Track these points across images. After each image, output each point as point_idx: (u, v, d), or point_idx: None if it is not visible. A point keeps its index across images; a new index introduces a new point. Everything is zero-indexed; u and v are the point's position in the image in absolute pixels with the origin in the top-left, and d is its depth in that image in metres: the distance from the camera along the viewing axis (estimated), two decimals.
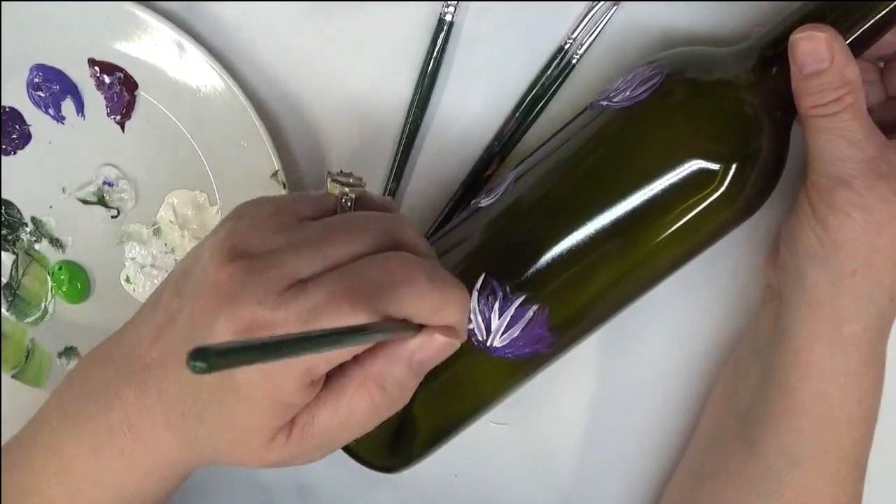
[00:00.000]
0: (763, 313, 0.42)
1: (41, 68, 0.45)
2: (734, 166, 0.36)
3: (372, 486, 0.49)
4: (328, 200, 0.34)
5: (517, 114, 0.44)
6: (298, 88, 0.45)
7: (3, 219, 0.47)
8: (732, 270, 0.45)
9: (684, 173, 0.36)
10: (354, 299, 0.28)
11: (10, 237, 0.47)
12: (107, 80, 0.44)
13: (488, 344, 0.37)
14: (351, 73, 0.45)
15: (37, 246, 0.48)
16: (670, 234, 0.37)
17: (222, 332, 0.29)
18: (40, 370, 0.48)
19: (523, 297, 0.37)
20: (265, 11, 0.44)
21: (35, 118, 0.46)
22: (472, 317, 0.37)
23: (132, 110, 0.45)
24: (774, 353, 0.39)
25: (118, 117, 0.45)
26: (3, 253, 0.48)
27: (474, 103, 0.45)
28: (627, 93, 0.38)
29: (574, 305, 0.38)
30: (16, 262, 0.48)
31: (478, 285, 0.37)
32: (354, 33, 0.44)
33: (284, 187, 0.44)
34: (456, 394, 0.39)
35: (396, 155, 0.45)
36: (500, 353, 0.38)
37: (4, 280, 0.48)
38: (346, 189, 0.33)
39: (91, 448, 0.34)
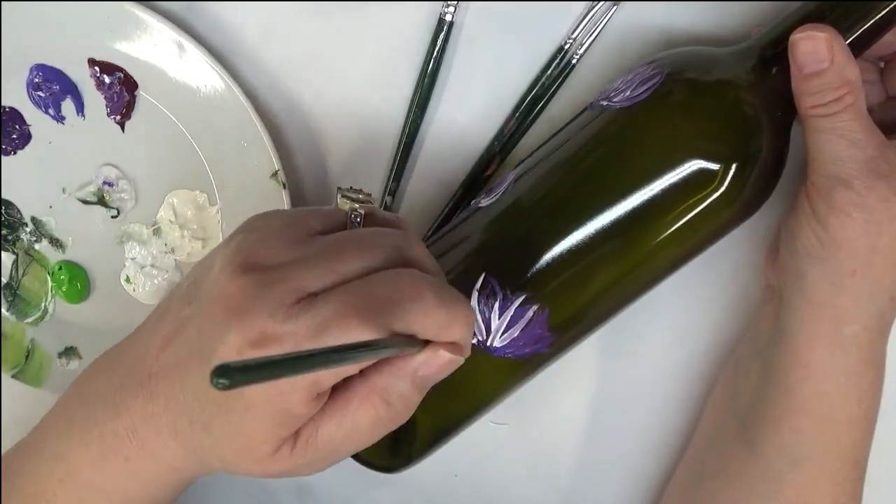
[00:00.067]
0: (763, 313, 0.42)
1: (41, 68, 0.45)
2: (734, 166, 0.36)
3: (372, 486, 0.49)
4: (338, 216, 0.34)
5: (517, 114, 0.44)
6: (298, 88, 0.45)
7: (3, 219, 0.47)
8: (732, 270, 0.45)
9: (684, 173, 0.36)
10: (363, 314, 0.29)
11: (10, 237, 0.47)
12: (107, 80, 0.44)
13: (488, 344, 0.37)
14: (351, 73, 0.45)
15: (37, 246, 0.48)
16: (670, 234, 0.37)
17: (232, 344, 0.29)
18: (40, 370, 0.48)
19: (523, 297, 0.37)
20: (265, 11, 0.44)
21: (35, 118, 0.46)
22: None
23: (132, 110, 0.45)
24: (774, 353, 0.39)
25: (118, 117, 0.45)
26: (3, 253, 0.48)
27: (474, 103, 0.45)
28: (627, 93, 0.38)
29: (574, 305, 0.38)
30: (16, 262, 0.48)
31: (478, 285, 0.37)
32: (354, 33, 0.44)
33: (284, 187, 0.44)
34: (456, 394, 0.39)
35: (396, 155, 0.45)
36: (500, 353, 0.38)
37: (4, 280, 0.48)
38: (356, 205, 0.34)
39: (97, 454, 0.34)
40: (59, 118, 0.46)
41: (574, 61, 0.43)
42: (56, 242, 0.47)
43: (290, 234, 0.32)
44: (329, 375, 0.29)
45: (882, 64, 0.41)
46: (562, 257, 0.37)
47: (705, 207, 0.36)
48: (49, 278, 0.48)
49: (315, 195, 0.47)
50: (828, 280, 0.36)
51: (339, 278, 0.30)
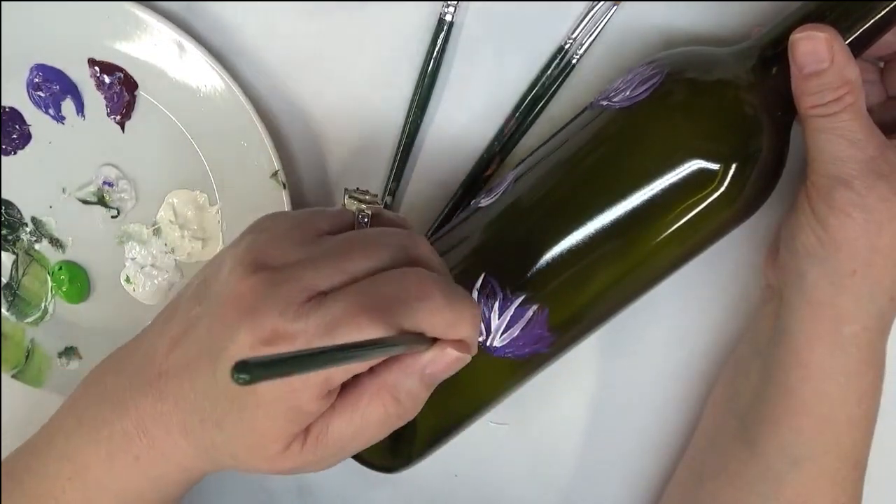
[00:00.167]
0: (763, 313, 0.42)
1: (41, 68, 0.45)
2: (734, 166, 0.36)
3: (372, 486, 0.49)
4: (345, 216, 0.34)
5: (517, 114, 0.44)
6: (298, 88, 0.45)
7: (3, 219, 0.47)
8: (732, 270, 0.45)
9: (684, 173, 0.36)
10: (372, 313, 0.29)
11: (10, 237, 0.47)
12: (107, 80, 0.44)
13: (488, 344, 0.37)
14: (351, 73, 0.45)
15: (37, 246, 0.48)
16: (670, 234, 0.37)
17: (243, 343, 0.29)
18: (40, 370, 0.48)
19: (523, 297, 0.37)
20: (265, 11, 0.44)
21: (35, 118, 0.46)
22: None
23: (132, 110, 0.45)
24: (774, 353, 0.39)
25: (118, 117, 0.45)
26: (3, 253, 0.48)
27: (474, 103, 0.45)
28: (627, 93, 0.38)
29: (574, 305, 0.38)
30: (16, 262, 0.48)
31: (478, 285, 0.37)
32: (354, 33, 0.44)
33: (284, 187, 0.44)
34: (456, 394, 0.39)
35: (396, 155, 0.45)
36: (500, 353, 0.38)
37: (4, 280, 0.48)
38: (363, 206, 0.34)
39: (106, 453, 0.34)
40: (59, 118, 0.46)
41: (574, 61, 0.43)
42: (56, 242, 0.47)
43: (299, 235, 0.32)
44: (339, 373, 0.30)
45: (882, 64, 0.41)
46: (562, 257, 0.37)
47: (705, 207, 0.36)
48: (49, 278, 0.48)
49: (315, 195, 0.47)
50: (828, 280, 0.36)
51: (348, 277, 0.30)
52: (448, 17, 0.43)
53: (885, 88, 0.40)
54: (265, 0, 0.44)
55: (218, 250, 0.46)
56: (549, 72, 0.43)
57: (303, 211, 0.35)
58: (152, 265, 0.47)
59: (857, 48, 0.36)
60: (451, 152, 0.45)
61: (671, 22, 0.42)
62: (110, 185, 0.46)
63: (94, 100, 0.45)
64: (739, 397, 0.42)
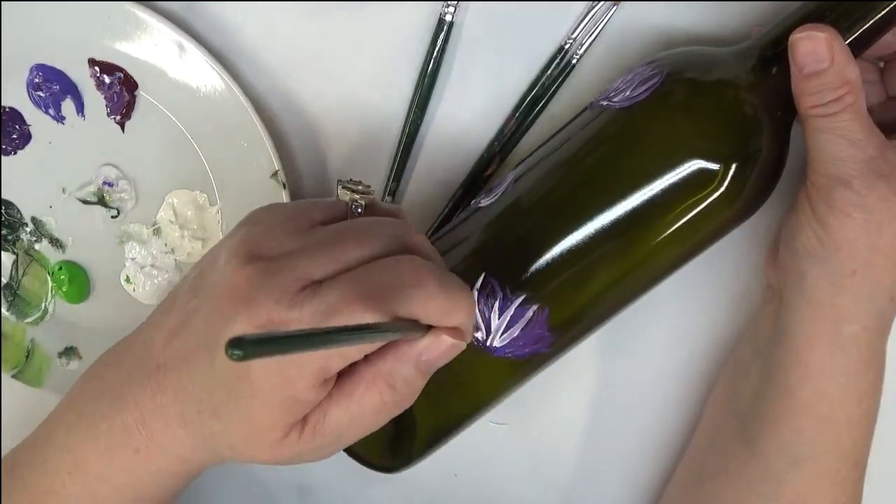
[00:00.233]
0: (763, 313, 0.42)
1: (41, 68, 0.45)
2: (734, 166, 0.36)
3: (372, 486, 0.49)
4: (339, 207, 0.35)
5: (517, 114, 0.44)
6: (298, 88, 0.45)
7: (3, 219, 0.47)
8: (732, 270, 0.45)
9: (684, 173, 0.36)
10: (366, 300, 0.29)
11: (10, 237, 0.47)
12: (107, 80, 0.44)
13: (488, 344, 0.37)
14: (351, 73, 0.45)
15: (37, 246, 0.48)
16: (670, 234, 0.37)
17: (239, 331, 0.30)
18: (40, 370, 0.48)
19: (523, 297, 0.37)
20: (265, 11, 0.44)
21: (35, 118, 0.46)
22: None
23: (132, 110, 0.45)
24: (774, 353, 0.39)
25: (118, 117, 0.45)
26: (3, 253, 0.48)
27: (474, 103, 0.45)
28: (627, 93, 0.38)
29: (574, 305, 0.38)
30: (16, 262, 0.48)
31: (478, 285, 0.37)
32: (354, 33, 0.44)
33: (284, 187, 0.44)
34: (456, 394, 0.39)
35: (396, 155, 0.45)
36: (500, 353, 0.38)
37: (4, 280, 0.48)
38: (357, 196, 0.35)
39: (105, 446, 0.34)
40: (59, 118, 0.46)
41: (574, 61, 0.43)
42: (56, 242, 0.47)
43: (293, 225, 0.33)
44: (335, 360, 0.30)
45: (882, 64, 0.41)
46: (562, 257, 0.37)
47: (705, 207, 0.36)
48: (49, 278, 0.48)
49: (315, 195, 0.47)
50: (828, 280, 0.36)
51: (342, 266, 0.31)
52: (448, 17, 0.43)
53: (885, 88, 0.40)
54: (265, 0, 0.44)
55: None
56: (549, 72, 0.43)
57: (297, 202, 0.35)
58: (152, 265, 0.47)
59: (857, 48, 0.36)
60: (451, 152, 0.45)
61: (671, 22, 0.42)
62: (110, 185, 0.46)
63: (94, 100, 0.45)
64: (739, 397, 0.41)
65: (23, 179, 0.47)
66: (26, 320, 0.48)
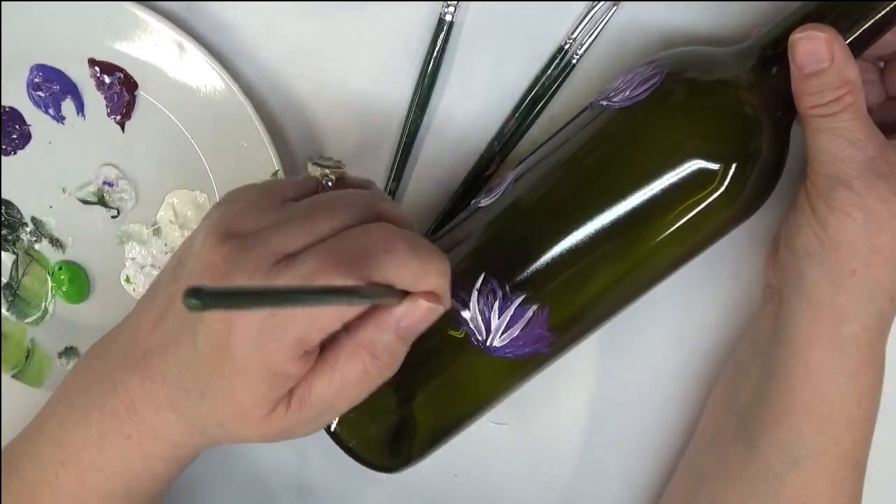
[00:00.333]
0: (763, 313, 0.42)
1: (41, 68, 0.45)
2: (734, 166, 0.36)
3: (372, 486, 0.49)
4: (310, 183, 0.36)
5: (517, 114, 0.44)
6: (298, 88, 0.45)
7: (3, 219, 0.47)
8: (732, 270, 0.45)
9: (684, 173, 0.36)
10: (340, 268, 0.30)
11: (10, 237, 0.47)
12: (107, 80, 0.44)
13: (488, 344, 0.37)
14: (351, 73, 0.45)
15: (37, 246, 0.48)
16: (670, 234, 0.37)
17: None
18: (40, 370, 0.48)
19: (523, 297, 0.37)
20: (265, 11, 0.44)
21: (35, 118, 0.46)
22: (471, 316, 0.37)
23: (132, 110, 0.45)
24: (774, 353, 0.39)
25: (118, 117, 0.45)
26: (3, 253, 0.48)
27: (474, 103, 0.45)
28: (627, 93, 0.38)
29: (574, 305, 0.38)
30: (16, 262, 0.48)
31: (477, 285, 0.37)
32: (354, 33, 0.44)
33: None
34: (456, 394, 0.39)
35: (396, 155, 0.45)
36: (500, 353, 0.38)
37: (4, 280, 0.48)
38: (327, 171, 0.35)
39: (97, 435, 0.35)
40: (59, 118, 0.46)
41: (574, 61, 0.43)
42: (56, 242, 0.47)
43: (266, 203, 0.33)
44: (314, 332, 0.30)
45: (882, 64, 0.41)
46: (561, 257, 0.37)
47: (705, 207, 0.36)
48: (49, 278, 0.48)
49: None
50: (828, 280, 0.36)
51: (315, 238, 0.31)
52: (448, 17, 0.43)
53: (885, 88, 0.40)
54: (265, 0, 0.44)
55: None
56: (549, 72, 0.43)
57: (269, 181, 0.36)
58: (152, 265, 0.47)
59: (857, 48, 0.36)
60: (451, 152, 0.45)
61: (671, 22, 0.42)
62: (110, 185, 0.46)
63: (94, 100, 0.45)
64: (739, 397, 0.41)
65: (23, 179, 0.47)
66: (26, 320, 0.48)
